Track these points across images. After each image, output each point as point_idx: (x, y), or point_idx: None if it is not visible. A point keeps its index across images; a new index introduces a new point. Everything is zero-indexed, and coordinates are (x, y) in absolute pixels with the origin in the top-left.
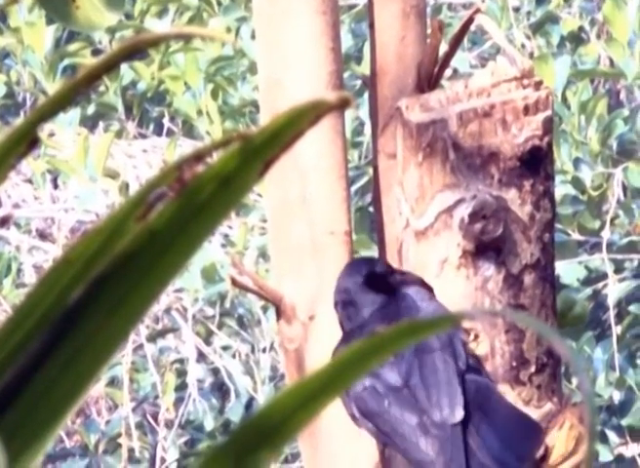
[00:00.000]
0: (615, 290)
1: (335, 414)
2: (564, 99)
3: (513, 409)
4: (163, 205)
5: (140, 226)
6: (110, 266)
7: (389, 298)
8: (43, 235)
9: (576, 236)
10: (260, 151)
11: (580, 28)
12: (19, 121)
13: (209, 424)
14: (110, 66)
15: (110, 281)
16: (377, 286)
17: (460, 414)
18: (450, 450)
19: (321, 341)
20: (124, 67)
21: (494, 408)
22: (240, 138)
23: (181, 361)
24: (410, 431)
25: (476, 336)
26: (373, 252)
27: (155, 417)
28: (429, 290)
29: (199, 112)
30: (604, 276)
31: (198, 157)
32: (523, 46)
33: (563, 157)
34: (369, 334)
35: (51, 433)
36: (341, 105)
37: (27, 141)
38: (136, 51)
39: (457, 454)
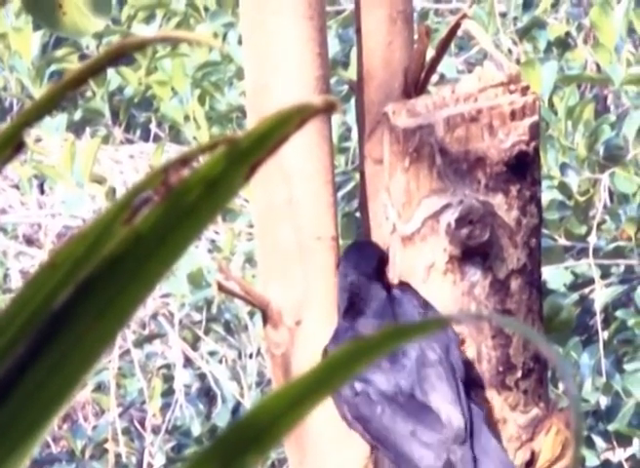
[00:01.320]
0: (601, 295)
1: (322, 418)
2: (551, 105)
3: (500, 445)
4: (149, 209)
5: (126, 230)
6: (96, 270)
7: (386, 300)
8: (30, 240)
9: (562, 241)
10: (245, 155)
11: (567, 34)
12: (4, 125)
13: (196, 430)
14: (96, 71)
15: (96, 285)
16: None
17: (461, 436)
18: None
19: (308, 346)
20: (111, 73)
21: (485, 437)
22: (226, 142)
23: (168, 366)
24: (402, 441)
25: (462, 341)
26: None
27: (142, 423)
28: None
29: (186, 118)
30: (591, 281)
31: (184, 161)
32: (510, 51)
33: (550, 162)
34: (357, 338)
35: (36, 438)
36: (327, 109)
37: (13, 146)
38: (121, 55)
39: None
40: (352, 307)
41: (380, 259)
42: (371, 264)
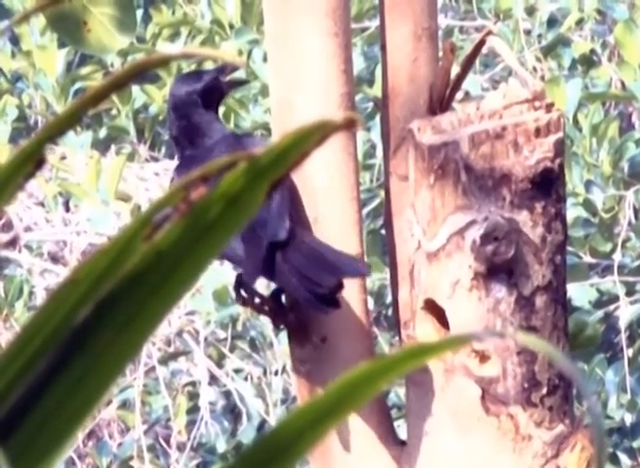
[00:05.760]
0: (626, 312)
1: (347, 433)
2: (575, 122)
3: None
4: (170, 225)
5: (147, 247)
6: (117, 286)
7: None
8: (55, 258)
9: (587, 258)
10: (266, 171)
11: (592, 51)
12: (27, 141)
13: (221, 447)
14: (118, 87)
15: (117, 301)
16: (212, 101)
17: (282, 236)
18: (254, 256)
19: (333, 363)
20: (136, 91)
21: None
22: (246, 159)
23: (193, 383)
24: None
25: (487, 357)
26: (384, 274)
27: (167, 440)
28: None
29: None
30: (615, 298)
31: (204, 177)
32: (534, 68)
33: (574, 179)
34: (215, 160)
35: (59, 452)
36: (348, 126)
37: (34, 162)
38: (144, 71)
39: (256, 260)
40: (194, 145)
41: (204, 84)
42: (193, 98)
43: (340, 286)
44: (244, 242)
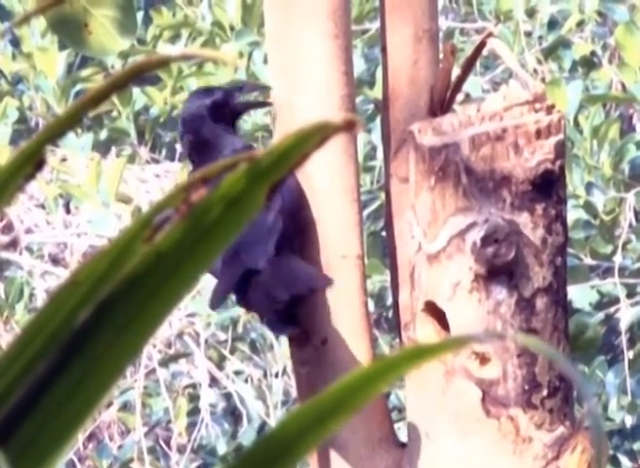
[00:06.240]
0: (627, 314)
1: (347, 434)
2: (576, 124)
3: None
4: (170, 227)
5: (147, 248)
6: (117, 288)
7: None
8: (55, 260)
9: (588, 260)
10: (266, 173)
11: (593, 53)
12: (26, 142)
13: (221, 449)
14: (118, 88)
15: (118, 302)
16: (223, 117)
17: (260, 266)
18: (229, 276)
19: (334, 365)
20: (136, 93)
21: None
22: (246, 160)
23: (194, 385)
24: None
25: (487, 359)
26: (385, 276)
27: (168, 442)
28: None
29: None
30: (616, 300)
31: (205, 179)
32: (535, 70)
33: (575, 181)
34: None
35: (59, 454)
36: (348, 128)
37: (34, 163)
38: (144, 72)
39: (230, 280)
40: (201, 153)
41: (213, 101)
42: (203, 115)
43: (297, 302)
44: (223, 261)
